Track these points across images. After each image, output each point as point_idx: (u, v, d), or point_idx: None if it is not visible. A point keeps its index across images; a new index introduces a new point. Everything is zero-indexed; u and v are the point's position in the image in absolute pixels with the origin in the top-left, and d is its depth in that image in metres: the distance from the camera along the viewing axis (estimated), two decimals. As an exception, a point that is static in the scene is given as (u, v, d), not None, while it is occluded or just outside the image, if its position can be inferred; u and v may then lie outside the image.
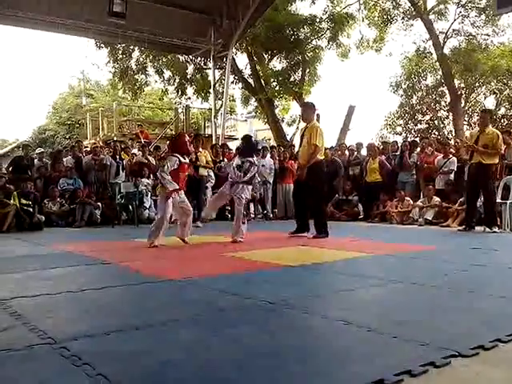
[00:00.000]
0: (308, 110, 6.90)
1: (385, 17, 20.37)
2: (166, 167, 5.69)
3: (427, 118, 23.64)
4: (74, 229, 8.92)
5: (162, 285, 3.50)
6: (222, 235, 7.06)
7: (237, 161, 6.61)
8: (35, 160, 10.64)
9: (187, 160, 6.06)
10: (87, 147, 13.48)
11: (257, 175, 7.04)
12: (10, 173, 10.19)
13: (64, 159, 10.69)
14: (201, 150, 9.50)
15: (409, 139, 18.13)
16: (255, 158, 6.70)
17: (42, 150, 12.58)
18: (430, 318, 2.50)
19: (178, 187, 5.77)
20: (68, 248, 5.74)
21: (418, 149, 11.00)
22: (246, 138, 7.10)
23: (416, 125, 23.71)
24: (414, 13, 19.95)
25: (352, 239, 6.54)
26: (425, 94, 23.16)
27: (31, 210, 8.68)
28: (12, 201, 8.52)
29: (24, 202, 8.65)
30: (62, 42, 67.13)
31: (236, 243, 6.17)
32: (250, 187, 6.80)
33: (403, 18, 20.63)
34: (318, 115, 16.26)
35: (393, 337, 2.13)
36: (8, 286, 3.38)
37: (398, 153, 10.74)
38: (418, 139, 17.85)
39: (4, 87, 70.49)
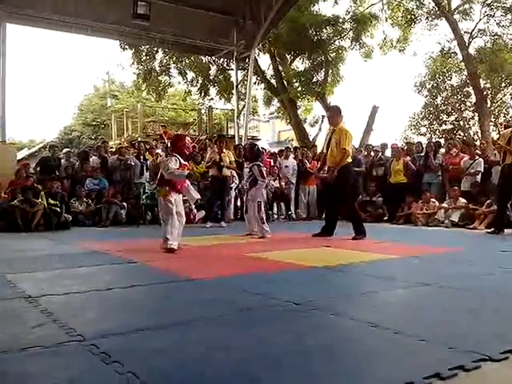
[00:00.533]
0: (335, 114, 6.92)
1: (408, 17, 20.13)
2: (168, 167, 5.27)
3: (452, 118, 23.30)
4: (99, 228, 9.05)
5: (187, 284, 3.53)
6: (244, 236, 7.09)
7: (246, 171, 7.39)
8: (62, 160, 10.82)
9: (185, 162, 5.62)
10: (112, 148, 13.66)
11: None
12: (37, 173, 10.38)
13: (90, 159, 10.84)
14: (224, 150, 9.54)
15: (433, 140, 17.91)
16: (260, 162, 7.29)
17: (69, 150, 12.80)
18: (458, 321, 2.47)
19: (186, 174, 5.44)
20: (94, 247, 5.83)
21: (443, 150, 10.86)
22: (250, 146, 7.80)
23: (441, 125, 23.39)
24: (438, 12, 19.69)
25: (377, 241, 6.49)
26: (450, 94, 22.83)
27: (58, 209, 8.83)
28: (40, 200, 8.68)
29: (51, 201, 8.81)
30: (87, 44, 68.19)
31: (259, 243, 6.26)
32: (264, 191, 7.25)
33: (427, 18, 20.37)
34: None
35: (420, 339, 2.11)
36: (38, 284, 3.45)
37: (423, 154, 10.62)
38: (442, 140, 17.63)
39: (32, 89, 71.99)
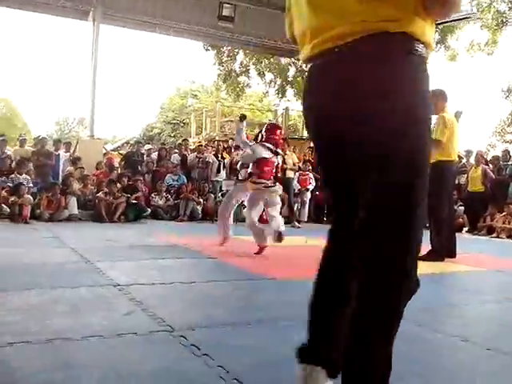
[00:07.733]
0: (434, 100, 5.01)
1: (499, 19, 19.14)
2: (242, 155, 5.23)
3: (542, 125, 21.96)
4: (177, 222, 9.30)
5: (267, 283, 3.56)
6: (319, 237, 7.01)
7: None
8: (144, 156, 11.24)
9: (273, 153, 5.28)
10: (191, 145, 14.02)
11: None
12: (121, 167, 10.86)
13: (172, 156, 11.21)
14: (288, 152, 9.53)
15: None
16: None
17: (150, 146, 13.28)
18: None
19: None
20: (173, 240, 6.02)
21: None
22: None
23: (529, 133, 22.12)
24: (532, 14, 18.58)
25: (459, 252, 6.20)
26: (541, 100, 21.52)
27: (139, 202, 9.18)
28: (123, 193, 9.07)
29: (133, 194, 9.18)
30: (172, 46, 70.77)
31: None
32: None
33: (519, 20, 19.26)
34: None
35: (514, 357, 2.02)
36: (125, 273, 3.61)
37: (510, 162, 10.07)
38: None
39: (119, 88, 75.67)
